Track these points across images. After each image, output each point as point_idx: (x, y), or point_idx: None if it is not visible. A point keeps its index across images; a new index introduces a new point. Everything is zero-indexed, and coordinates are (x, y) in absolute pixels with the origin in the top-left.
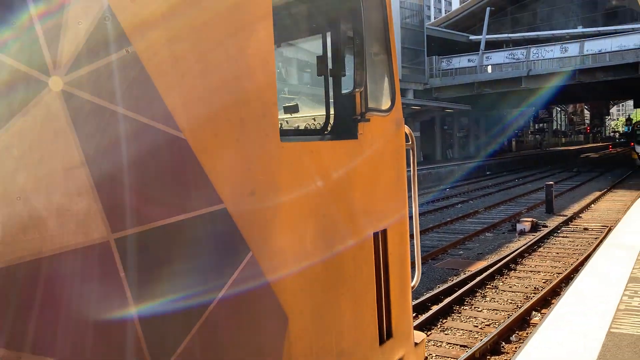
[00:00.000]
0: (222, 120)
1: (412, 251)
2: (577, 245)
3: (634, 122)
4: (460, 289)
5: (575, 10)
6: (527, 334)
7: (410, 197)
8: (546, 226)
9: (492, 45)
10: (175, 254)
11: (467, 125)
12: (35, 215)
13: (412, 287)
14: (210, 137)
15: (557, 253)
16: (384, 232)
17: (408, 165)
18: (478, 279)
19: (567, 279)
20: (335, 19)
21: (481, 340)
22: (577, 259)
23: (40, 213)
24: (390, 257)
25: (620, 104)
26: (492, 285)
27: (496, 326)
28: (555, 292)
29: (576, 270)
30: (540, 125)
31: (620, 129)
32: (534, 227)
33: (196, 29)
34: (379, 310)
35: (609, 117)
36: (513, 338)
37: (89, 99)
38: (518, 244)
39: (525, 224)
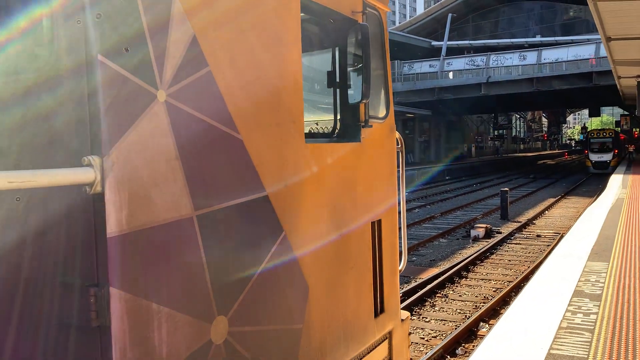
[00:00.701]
0: (266, 125)
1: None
2: (529, 253)
3: (588, 130)
4: (409, 298)
5: (535, 20)
6: (473, 346)
7: (398, 193)
8: (500, 232)
9: (454, 52)
10: (235, 229)
11: (428, 130)
12: (148, 196)
13: (400, 271)
14: (257, 138)
15: (509, 260)
16: (379, 221)
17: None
18: (428, 287)
19: (517, 288)
20: (343, 40)
21: (426, 354)
22: (529, 267)
23: (151, 194)
24: (383, 243)
25: (577, 113)
26: (442, 294)
27: (442, 338)
28: (505, 302)
29: (526, 278)
30: (500, 131)
31: (576, 137)
32: (488, 233)
33: (252, 56)
34: (374, 288)
35: (566, 125)
36: (459, 351)
37: (182, 107)
38: (471, 250)
39: (479, 230)
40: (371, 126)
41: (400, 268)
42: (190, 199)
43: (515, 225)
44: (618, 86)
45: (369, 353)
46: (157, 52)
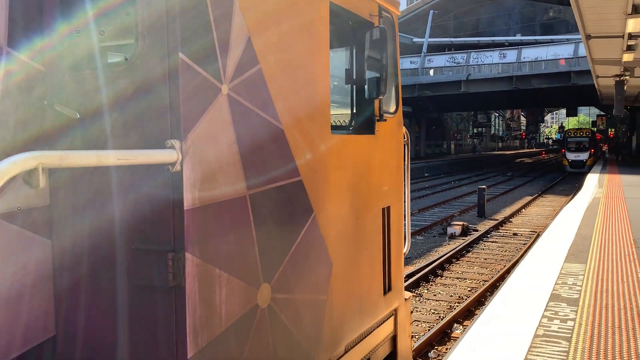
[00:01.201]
0: (301, 118)
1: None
2: (505, 251)
3: (565, 130)
4: None
5: (515, 19)
6: (446, 349)
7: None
8: (477, 230)
9: (435, 49)
10: (276, 208)
11: (408, 127)
12: (214, 176)
13: (404, 253)
14: (294, 129)
15: (485, 259)
16: (389, 207)
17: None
18: None
19: (493, 288)
20: (361, 41)
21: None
22: (505, 266)
23: (216, 175)
24: (391, 228)
25: (554, 112)
26: (417, 293)
27: (415, 340)
28: (479, 302)
29: (502, 278)
30: (479, 129)
31: (553, 136)
32: (465, 231)
33: (291, 56)
34: (384, 268)
35: (544, 124)
36: (432, 354)
37: (240, 100)
38: (447, 248)
39: (455, 227)
40: (385, 120)
41: (405, 251)
42: (244, 180)
43: (492, 223)
44: (596, 86)
45: (378, 327)
46: (221, 51)
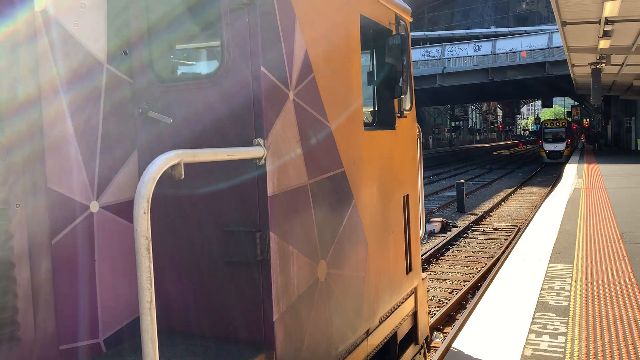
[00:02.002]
0: (342, 117)
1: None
2: (486, 248)
3: (542, 121)
4: None
5: (489, 12)
6: None
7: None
8: (456, 226)
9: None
10: (328, 195)
11: None
12: (286, 168)
13: (420, 237)
14: (338, 126)
15: (466, 257)
16: (407, 195)
17: None
18: None
19: (474, 289)
20: (381, 46)
21: None
22: (486, 264)
23: (288, 167)
24: (410, 214)
25: (530, 104)
26: None
27: None
28: (460, 305)
29: (483, 277)
30: (457, 123)
31: (530, 128)
32: (444, 228)
33: (334, 65)
34: (406, 250)
35: (520, 116)
36: None
37: (301, 104)
38: (427, 246)
39: (435, 224)
40: (405, 117)
41: (420, 235)
42: (306, 172)
43: (471, 218)
44: (571, 75)
45: (402, 303)
46: (288, 63)
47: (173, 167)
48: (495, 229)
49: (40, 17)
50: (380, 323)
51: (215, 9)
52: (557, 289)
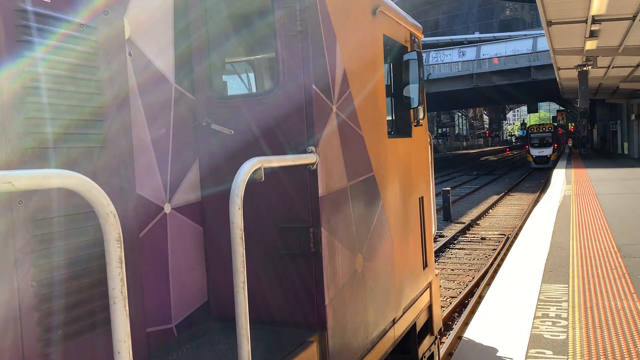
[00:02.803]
0: (371, 126)
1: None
2: (473, 259)
3: (528, 126)
4: None
5: (473, 19)
6: None
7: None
8: (443, 236)
9: None
10: (362, 197)
11: None
12: (331, 172)
13: (433, 235)
14: (368, 134)
15: (452, 270)
16: (422, 197)
17: None
18: None
19: (461, 306)
20: (398, 61)
21: None
22: (473, 277)
23: (332, 171)
24: (425, 214)
25: (516, 110)
26: None
27: None
28: (447, 326)
29: (471, 293)
30: (443, 129)
31: (516, 133)
32: None
33: (365, 81)
34: (422, 247)
35: (506, 122)
36: None
37: (341, 116)
38: None
39: None
40: (421, 125)
41: (433, 233)
42: (345, 175)
43: (458, 227)
44: (557, 79)
45: (420, 296)
46: (332, 81)
47: (255, 171)
48: (483, 239)
49: (127, 44)
50: (403, 313)
51: (272, 35)
52: (552, 317)
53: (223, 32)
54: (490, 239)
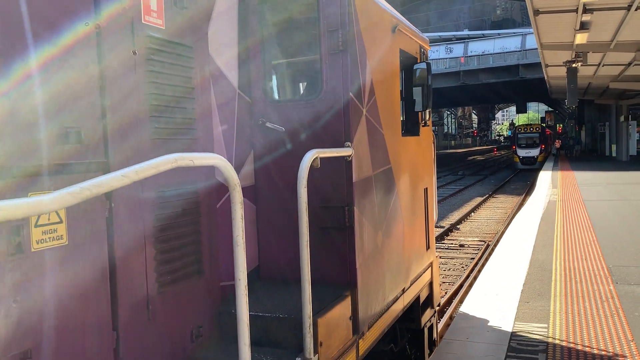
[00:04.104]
0: (390, 125)
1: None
2: (448, 270)
3: (516, 126)
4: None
5: (464, 17)
6: None
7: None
8: None
9: None
10: (382, 185)
11: None
12: (361, 162)
13: (434, 221)
14: (387, 132)
15: None
16: (426, 188)
17: None
18: None
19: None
20: (409, 70)
21: None
22: (446, 292)
23: (362, 162)
24: (429, 203)
25: (505, 110)
26: None
27: None
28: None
29: (442, 312)
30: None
31: (505, 133)
32: None
33: (386, 88)
34: (426, 230)
35: (495, 122)
36: None
37: (369, 117)
38: None
39: None
40: (427, 125)
41: (435, 220)
42: (371, 166)
43: (436, 232)
44: (545, 77)
45: (423, 273)
46: (363, 88)
47: (314, 160)
48: (461, 246)
49: (204, 58)
50: (410, 285)
51: (318, 51)
52: None
53: (276, 48)
54: (469, 247)
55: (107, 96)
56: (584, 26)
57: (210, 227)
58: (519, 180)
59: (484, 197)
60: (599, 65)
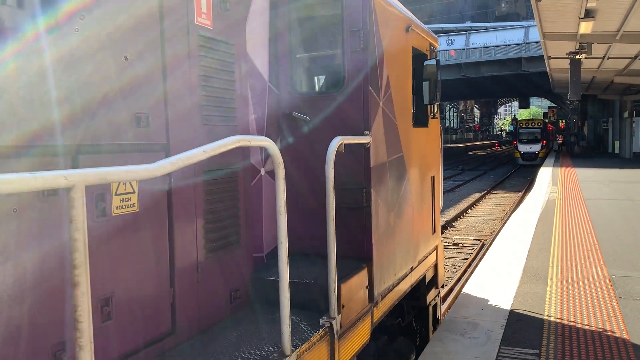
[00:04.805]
0: (403, 116)
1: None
2: None
3: (516, 121)
4: None
5: (468, 10)
6: None
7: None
8: None
9: None
10: (395, 171)
11: None
12: (377, 149)
13: (440, 208)
14: (400, 123)
15: None
16: (434, 177)
17: None
18: None
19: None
20: (420, 66)
21: None
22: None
23: (378, 149)
24: (435, 190)
25: (508, 105)
26: None
27: None
28: None
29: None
30: None
31: (507, 128)
32: None
33: (401, 82)
34: (432, 215)
35: (497, 117)
36: None
37: (385, 109)
38: None
39: None
40: (435, 118)
41: (441, 206)
42: (386, 153)
43: None
44: (547, 69)
45: (429, 255)
46: (380, 83)
47: (340, 145)
48: (455, 245)
49: (242, 54)
50: (418, 264)
51: (341, 48)
52: None
53: (302, 46)
54: (463, 246)
55: (169, 87)
56: (589, 14)
57: (245, 204)
58: (519, 176)
59: (483, 193)
60: (603, 57)
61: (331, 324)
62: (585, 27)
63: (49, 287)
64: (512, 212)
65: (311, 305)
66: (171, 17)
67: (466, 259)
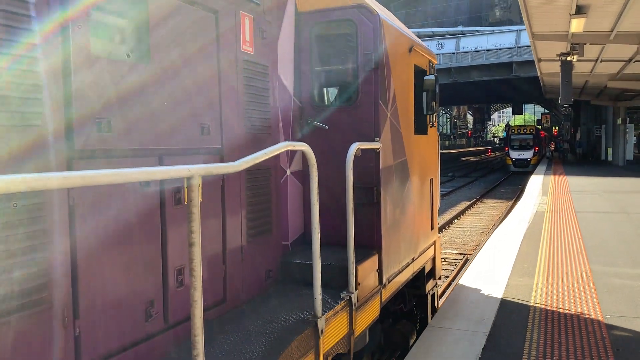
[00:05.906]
0: (405, 125)
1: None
2: None
3: (509, 127)
4: None
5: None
6: None
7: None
8: None
9: None
10: (399, 173)
11: None
12: (385, 153)
13: (438, 207)
14: (403, 131)
15: None
16: (432, 179)
17: None
18: None
19: None
20: (420, 81)
21: None
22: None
23: (386, 153)
24: (434, 191)
25: (501, 111)
26: None
27: None
28: None
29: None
30: None
31: (500, 134)
32: None
33: (404, 94)
34: (430, 213)
35: (491, 123)
36: None
37: (392, 119)
38: None
39: None
40: (434, 126)
41: (437, 206)
42: (392, 157)
43: None
44: (539, 73)
45: (428, 249)
46: (388, 97)
47: (357, 149)
48: None
49: (274, 73)
50: (418, 256)
51: (355, 68)
52: None
53: (322, 65)
54: (445, 261)
55: (223, 103)
56: (580, 10)
57: (277, 199)
58: (510, 183)
59: (472, 202)
60: (596, 60)
61: (350, 297)
62: (577, 26)
63: (144, 262)
64: (500, 223)
65: (332, 283)
66: (225, 47)
67: (447, 276)
